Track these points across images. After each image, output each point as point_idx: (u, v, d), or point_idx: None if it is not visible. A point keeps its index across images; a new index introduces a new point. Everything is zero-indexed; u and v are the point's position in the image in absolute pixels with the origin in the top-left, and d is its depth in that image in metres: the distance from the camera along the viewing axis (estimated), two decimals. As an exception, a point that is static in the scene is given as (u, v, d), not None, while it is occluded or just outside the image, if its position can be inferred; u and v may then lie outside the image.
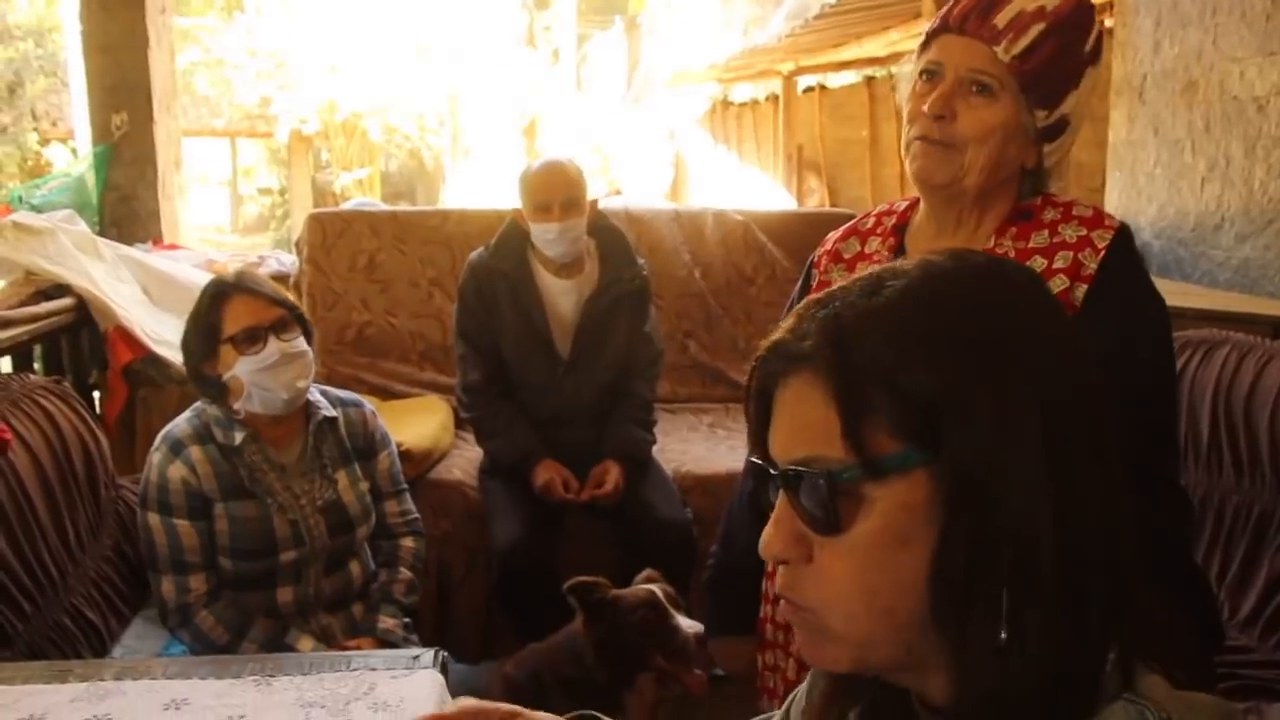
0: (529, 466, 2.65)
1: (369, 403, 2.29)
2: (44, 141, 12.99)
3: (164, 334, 3.26)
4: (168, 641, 2.10)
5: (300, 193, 14.44)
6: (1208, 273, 3.32)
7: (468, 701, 0.94)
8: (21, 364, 3.07)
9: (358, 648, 1.99)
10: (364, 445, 2.19)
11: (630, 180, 11.82)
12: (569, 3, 15.96)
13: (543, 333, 2.70)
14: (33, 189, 4.37)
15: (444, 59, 13.35)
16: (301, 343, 2.05)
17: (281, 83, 13.41)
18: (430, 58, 13.33)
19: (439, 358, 3.49)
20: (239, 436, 2.01)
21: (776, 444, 0.71)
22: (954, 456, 0.64)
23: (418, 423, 3.01)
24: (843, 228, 1.61)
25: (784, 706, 0.91)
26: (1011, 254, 1.40)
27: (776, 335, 0.72)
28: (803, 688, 0.86)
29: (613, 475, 2.64)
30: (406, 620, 2.18)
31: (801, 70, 9.04)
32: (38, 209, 3.84)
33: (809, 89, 9.17)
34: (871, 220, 1.57)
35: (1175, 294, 2.92)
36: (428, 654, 1.53)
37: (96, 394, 3.37)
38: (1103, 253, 1.36)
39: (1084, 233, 1.38)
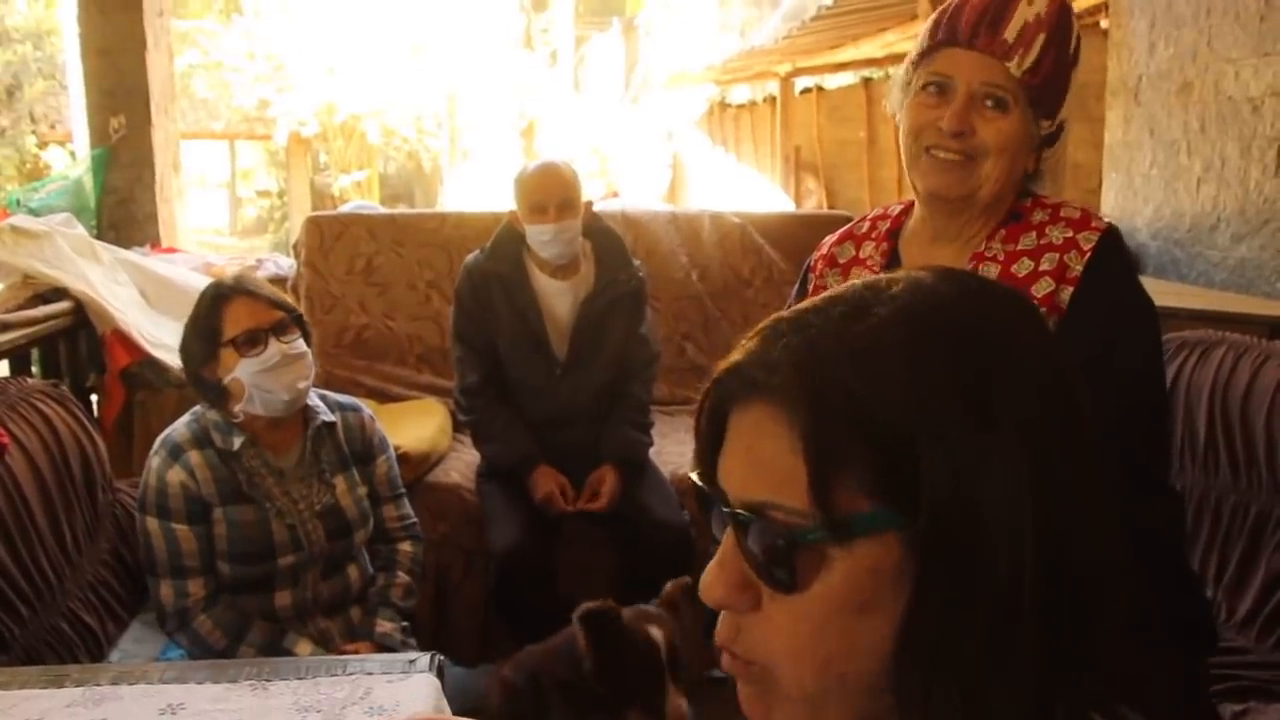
0: (526, 471, 2.65)
1: (367, 407, 2.29)
2: (42, 144, 12.99)
3: (162, 337, 3.26)
4: (165, 646, 2.10)
5: (298, 195, 14.44)
6: (1204, 273, 3.33)
7: (429, 716, 0.91)
8: (19, 367, 3.07)
9: (355, 652, 1.99)
10: (362, 450, 2.19)
11: (628, 182, 11.83)
12: (566, 4, 15.97)
13: (539, 334, 2.70)
14: (30, 192, 4.37)
15: (442, 61, 13.36)
16: (301, 344, 2.05)
17: (280, 85, 13.41)
18: (428, 60, 13.34)
19: (437, 360, 3.50)
20: (238, 441, 2.02)
21: (729, 474, 0.63)
22: (932, 518, 0.56)
23: (415, 425, 3.01)
24: (838, 232, 1.61)
25: None
26: (1001, 256, 1.41)
27: (739, 357, 0.63)
28: None
29: (608, 485, 2.65)
30: (404, 624, 2.18)
31: (799, 72, 9.05)
32: (35, 212, 3.84)
33: (806, 90, 9.18)
34: (866, 225, 1.58)
35: (1171, 294, 2.93)
36: (424, 658, 1.54)
37: (94, 397, 3.37)
38: (1088, 255, 1.36)
39: (1070, 234, 1.39)
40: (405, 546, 2.26)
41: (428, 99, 13.74)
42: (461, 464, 2.98)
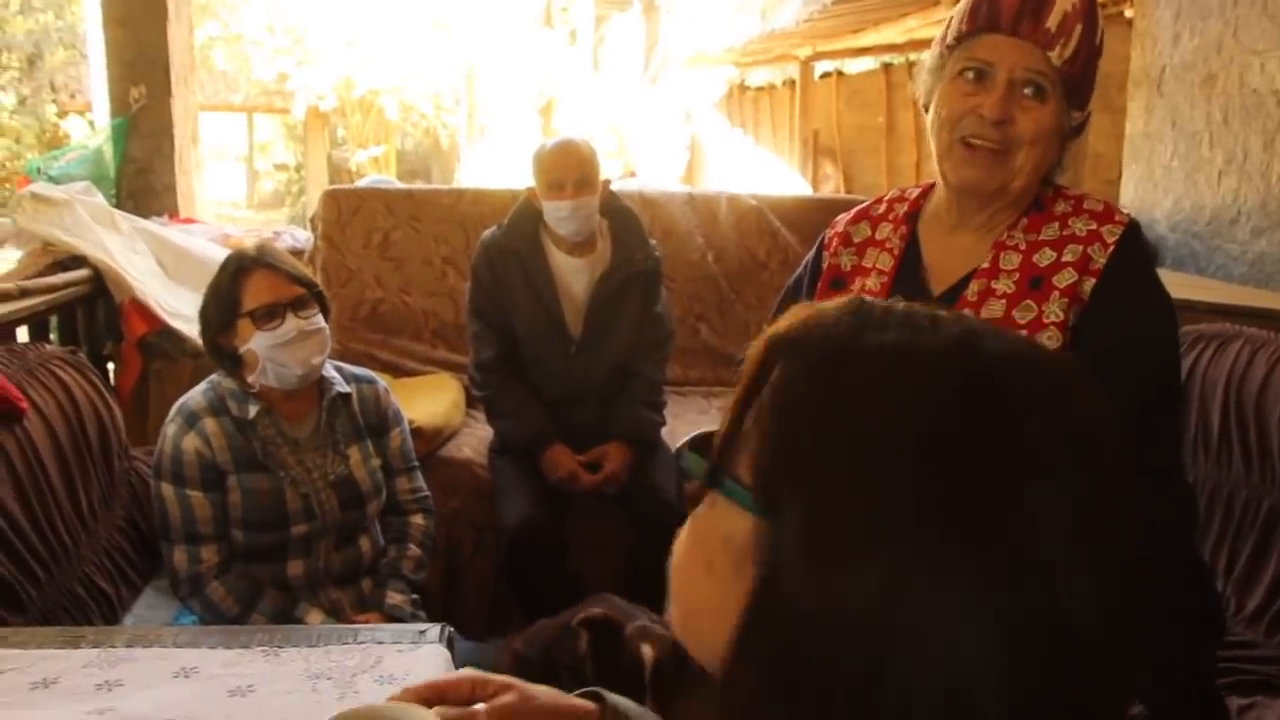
0: (540, 448, 2.66)
1: (382, 380, 2.30)
2: (62, 113, 13.04)
3: (179, 307, 3.28)
4: (178, 611, 2.12)
5: (316, 169, 14.44)
6: (1222, 267, 3.30)
7: (468, 672, 0.94)
8: (38, 334, 3.09)
9: (366, 622, 2.01)
10: (377, 422, 2.21)
11: (646, 162, 11.79)
12: (587, -17, 15.88)
13: (554, 311, 2.70)
14: (50, 160, 4.38)
15: (461, 38, 13.32)
16: (319, 320, 2.06)
17: (299, 59, 13.40)
18: (447, 36, 13.30)
19: (452, 336, 3.51)
20: (253, 410, 2.03)
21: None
22: (778, 552, 0.53)
23: (429, 400, 3.03)
24: (853, 210, 1.61)
25: None
26: (1023, 245, 1.41)
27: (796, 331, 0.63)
28: None
29: (613, 460, 2.65)
30: (414, 596, 2.20)
31: (819, 56, 9.00)
32: (55, 180, 3.85)
33: (826, 75, 9.14)
34: (883, 206, 1.57)
35: (1189, 287, 2.92)
36: (434, 629, 1.55)
37: (111, 365, 3.39)
38: (1112, 248, 1.37)
39: (1094, 226, 1.39)
40: (417, 519, 2.28)
41: (446, 75, 13.71)
42: (474, 439, 2.99)
